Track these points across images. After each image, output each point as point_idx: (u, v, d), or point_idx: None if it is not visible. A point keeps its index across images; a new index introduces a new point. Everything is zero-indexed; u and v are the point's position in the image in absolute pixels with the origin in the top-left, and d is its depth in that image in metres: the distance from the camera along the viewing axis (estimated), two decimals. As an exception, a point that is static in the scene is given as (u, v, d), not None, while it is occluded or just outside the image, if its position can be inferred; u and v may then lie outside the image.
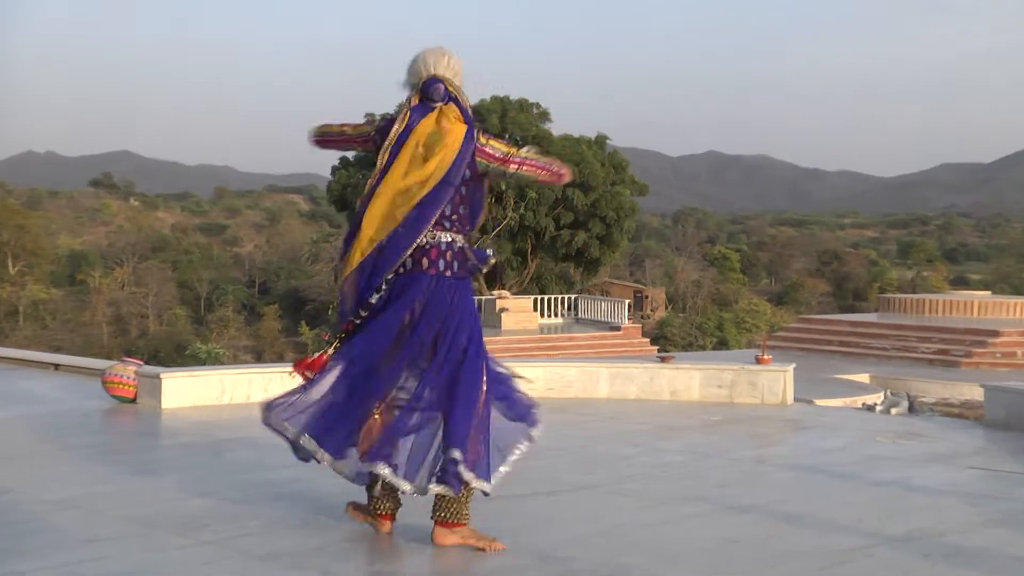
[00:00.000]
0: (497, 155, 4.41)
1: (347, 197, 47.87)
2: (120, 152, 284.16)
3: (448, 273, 4.33)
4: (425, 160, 4.29)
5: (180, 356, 47.34)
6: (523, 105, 47.71)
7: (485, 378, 4.25)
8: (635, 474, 6.12)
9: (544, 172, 4.46)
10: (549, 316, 36.78)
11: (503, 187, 45.71)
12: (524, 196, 45.08)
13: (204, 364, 39.25)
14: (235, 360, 48.12)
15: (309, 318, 56.34)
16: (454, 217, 4.36)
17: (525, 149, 4.51)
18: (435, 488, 4.11)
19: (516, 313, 35.24)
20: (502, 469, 4.26)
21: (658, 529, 4.80)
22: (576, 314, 36.78)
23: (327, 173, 50.51)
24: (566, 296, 39.40)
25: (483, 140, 4.39)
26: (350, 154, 50.22)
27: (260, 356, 53.06)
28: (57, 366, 10.52)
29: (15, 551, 4.26)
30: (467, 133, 4.35)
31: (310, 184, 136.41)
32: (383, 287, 4.30)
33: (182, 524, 4.64)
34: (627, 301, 36.33)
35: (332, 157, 51.56)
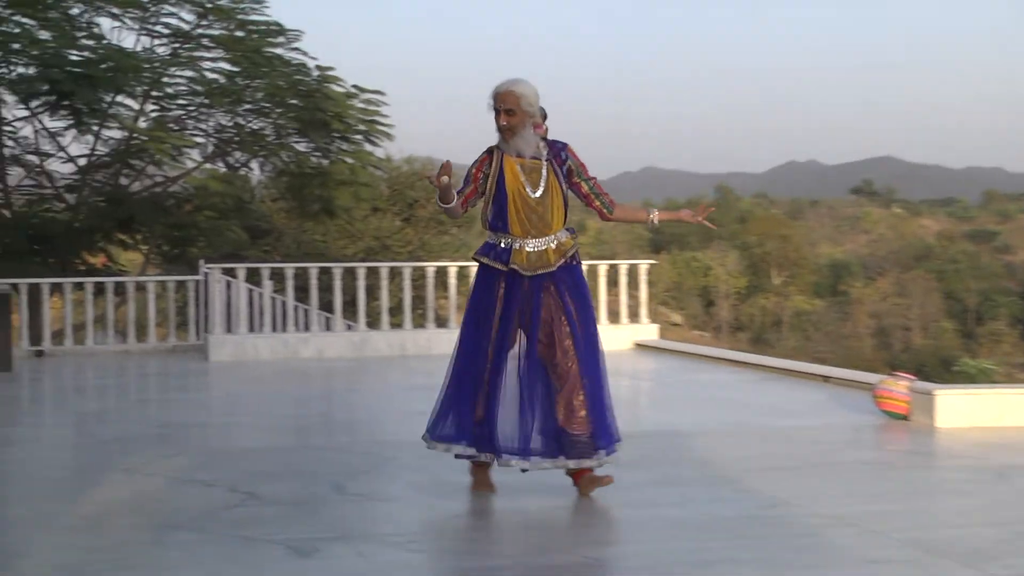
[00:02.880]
0: None
1: None
2: (881, 158, 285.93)
3: None
4: None
5: (947, 372, 46.43)
6: None
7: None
8: None
9: None
10: None
11: None
12: None
13: (974, 381, 38.11)
14: (1009, 379, 46.05)
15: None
16: None
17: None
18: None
19: None
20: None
21: None
22: None
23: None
24: None
25: None
26: None
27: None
28: (827, 378, 10.78)
29: (793, 563, 4.43)
30: None
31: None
32: None
33: (969, 554, 4.49)
34: None
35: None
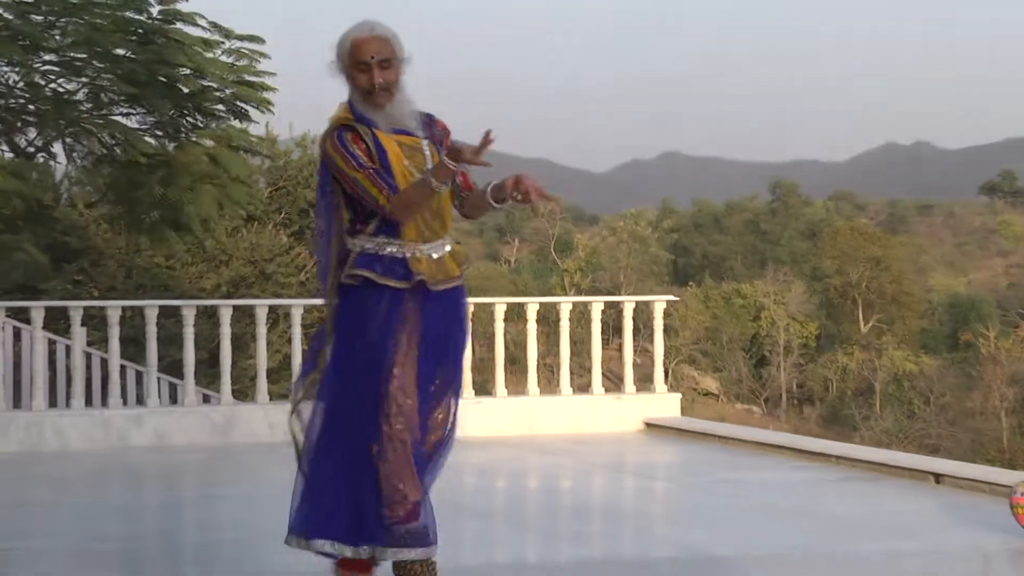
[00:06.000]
0: None
1: None
2: (1017, 140, 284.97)
3: None
4: None
5: (1125, 468, 46.74)
6: None
7: None
8: None
9: None
10: None
11: None
12: None
13: None
14: None
15: None
16: None
17: None
18: None
19: None
20: None
21: None
22: None
23: None
24: None
25: None
26: None
27: None
28: (938, 477, 10.80)
29: None
30: None
31: None
32: None
33: None
34: None
35: None
